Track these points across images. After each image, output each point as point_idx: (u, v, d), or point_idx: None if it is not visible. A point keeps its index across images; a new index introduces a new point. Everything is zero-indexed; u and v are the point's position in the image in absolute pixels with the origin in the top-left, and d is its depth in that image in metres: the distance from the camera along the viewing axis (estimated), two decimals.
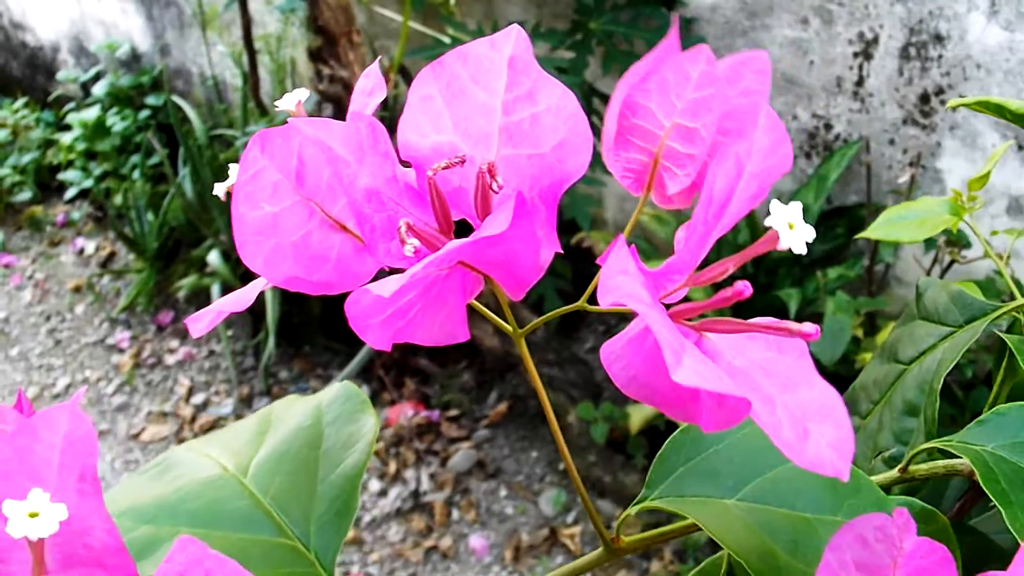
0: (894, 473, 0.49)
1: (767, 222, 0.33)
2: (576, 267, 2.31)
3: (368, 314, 0.37)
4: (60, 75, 3.59)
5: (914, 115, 1.86)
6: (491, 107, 0.40)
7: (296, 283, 0.40)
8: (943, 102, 1.80)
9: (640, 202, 0.42)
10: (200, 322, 0.42)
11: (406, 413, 2.36)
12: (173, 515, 0.47)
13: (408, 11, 2.01)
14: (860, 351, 1.76)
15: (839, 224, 1.97)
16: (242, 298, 0.42)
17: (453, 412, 2.40)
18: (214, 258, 2.59)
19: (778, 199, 0.35)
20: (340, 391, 0.52)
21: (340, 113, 1.98)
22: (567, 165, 0.40)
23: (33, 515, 0.30)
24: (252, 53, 2.51)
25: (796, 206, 0.34)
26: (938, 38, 1.76)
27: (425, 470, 2.28)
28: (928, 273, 1.63)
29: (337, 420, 0.51)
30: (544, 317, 0.44)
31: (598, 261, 0.35)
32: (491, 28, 2.02)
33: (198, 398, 2.58)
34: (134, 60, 3.41)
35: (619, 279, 0.33)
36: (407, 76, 2.20)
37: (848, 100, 1.94)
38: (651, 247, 2.12)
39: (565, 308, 0.43)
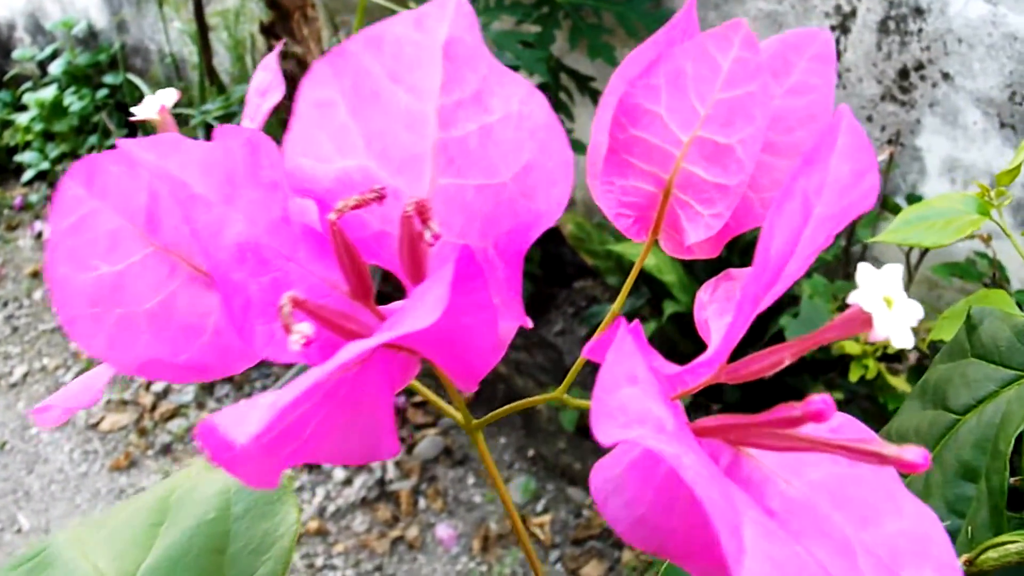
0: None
1: (851, 298, 0.23)
2: (543, 249, 2.25)
3: (233, 446, 0.22)
4: (16, 54, 3.49)
5: (893, 91, 1.80)
6: (421, 116, 0.27)
7: (157, 368, 0.28)
8: (923, 77, 1.74)
9: (642, 252, 0.30)
10: (48, 414, 0.31)
11: None
12: None
13: None
14: None
15: None
16: (87, 388, 0.31)
17: (419, 398, 2.33)
18: None
19: None
20: None
21: (295, 92, 1.90)
22: (536, 201, 0.27)
23: None
24: (204, 29, 2.42)
25: (893, 270, 0.23)
26: (918, 11, 1.70)
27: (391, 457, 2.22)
28: (907, 254, 1.57)
29: (248, 513, 0.39)
30: (502, 410, 0.33)
31: (585, 354, 0.24)
32: None
33: (159, 386, 2.51)
34: (91, 37, 3.31)
35: (625, 394, 0.22)
36: None
37: None
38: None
39: (538, 399, 0.32)
